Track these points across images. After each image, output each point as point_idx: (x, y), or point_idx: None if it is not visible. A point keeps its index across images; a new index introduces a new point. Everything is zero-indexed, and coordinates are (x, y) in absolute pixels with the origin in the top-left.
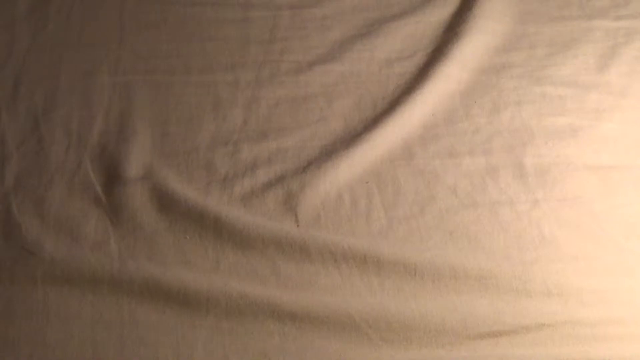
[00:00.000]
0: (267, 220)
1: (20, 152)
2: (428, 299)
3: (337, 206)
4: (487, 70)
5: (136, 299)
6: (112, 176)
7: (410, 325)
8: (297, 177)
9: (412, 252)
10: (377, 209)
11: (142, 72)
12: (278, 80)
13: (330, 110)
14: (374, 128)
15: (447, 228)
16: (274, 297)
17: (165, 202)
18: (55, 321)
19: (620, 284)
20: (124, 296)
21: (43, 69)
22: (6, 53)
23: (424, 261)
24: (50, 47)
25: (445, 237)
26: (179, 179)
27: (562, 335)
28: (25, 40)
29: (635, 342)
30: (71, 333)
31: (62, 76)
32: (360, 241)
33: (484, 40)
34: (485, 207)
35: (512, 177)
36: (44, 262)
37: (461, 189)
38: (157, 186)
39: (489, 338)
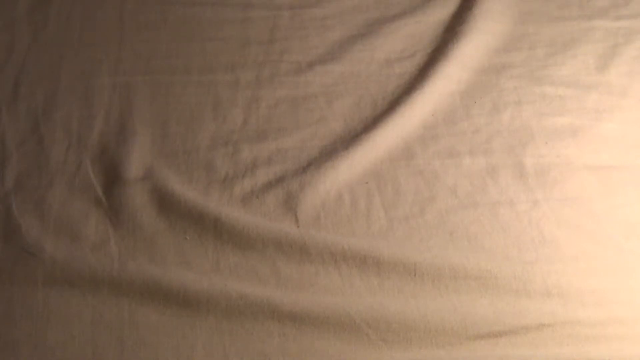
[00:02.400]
0: (267, 220)
1: (21, 153)
2: (428, 300)
3: (337, 206)
4: (487, 70)
5: (136, 299)
6: (112, 177)
7: (410, 325)
8: (297, 177)
9: (412, 252)
10: (377, 209)
11: (142, 72)
12: (278, 80)
13: (330, 110)
14: (374, 128)
15: (447, 228)
16: (274, 297)
17: (165, 202)
18: (55, 322)
19: (620, 284)
20: (124, 297)
21: (43, 69)
22: (6, 53)
23: (423, 261)
24: (50, 47)
25: (445, 237)
26: (179, 180)
27: (562, 335)
28: (25, 40)
29: (635, 342)
30: (71, 334)
31: (62, 76)
32: (360, 241)
33: (484, 40)
34: (485, 207)
35: (512, 177)
36: (44, 263)
37: (461, 189)
38: (157, 187)
39: (489, 338)
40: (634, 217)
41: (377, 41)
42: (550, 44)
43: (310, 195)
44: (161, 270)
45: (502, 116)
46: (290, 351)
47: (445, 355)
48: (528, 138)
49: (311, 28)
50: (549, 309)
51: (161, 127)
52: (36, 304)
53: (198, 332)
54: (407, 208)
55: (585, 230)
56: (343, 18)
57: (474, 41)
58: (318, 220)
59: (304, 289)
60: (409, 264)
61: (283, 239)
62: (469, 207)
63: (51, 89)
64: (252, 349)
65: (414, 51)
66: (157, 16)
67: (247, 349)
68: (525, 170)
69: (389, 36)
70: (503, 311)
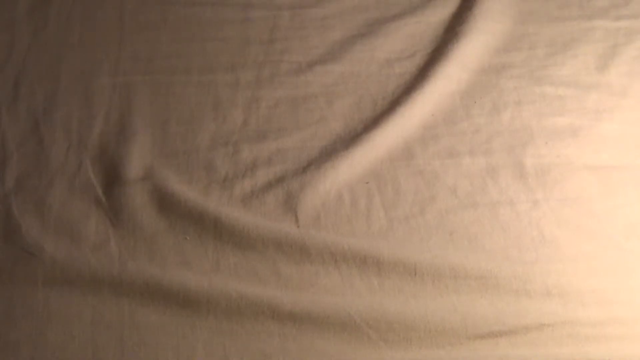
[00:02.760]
0: (267, 220)
1: (21, 153)
2: (428, 300)
3: (337, 206)
4: (487, 70)
5: (136, 300)
6: (113, 177)
7: (410, 325)
8: (297, 177)
9: (412, 252)
10: (377, 209)
11: (142, 72)
12: (278, 80)
13: (330, 110)
14: (374, 128)
15: (447, 228)
16: (274, 297)
17: (166, 203)
18: (55, 322)
19: (620, 284)
20: (124, 297)
21: (43, 69)
22: (6, 53)
23: (424, 261)
24: (50, 48)
25: (445, 237)
26: (179, 180)
27: (562, 335)
28: (25, 40)
29: (635, 342)
30: (72, 334)
31: (62, 76)
32: (360, 241)
33: (484, 40)
34: (485, 207)
35: (512, 177)
36: (44, 264)
37: (461, 189)
38: (157, 187)
39: (489, 338)
40: (634, 217)
41: (377, 41)
42: (550, 44)
43: (310, 195)
44: (161, 271)
45: (502, 116)
46: (290, 351)
47: (445, 355)
48: (528, 138)
49: (311, 28)
50: (549, 309)
51: (161, 127)
52: (36, 304)
53: (198, 332)
54: (407, 208)
55: (585, 230)
56: (343, 18)
57: (474, 41)
58: (318, 220)
59: (304, 289)
60: (409, 264)
61: (283, 239)
62: (469, 207)
63: (51, 89)
64: (253, 349)
65: (414, 51)
66: (157, 16)
67: (247, 349)
68: (525, 170)
69: (389, 36)
70: (503, 311)
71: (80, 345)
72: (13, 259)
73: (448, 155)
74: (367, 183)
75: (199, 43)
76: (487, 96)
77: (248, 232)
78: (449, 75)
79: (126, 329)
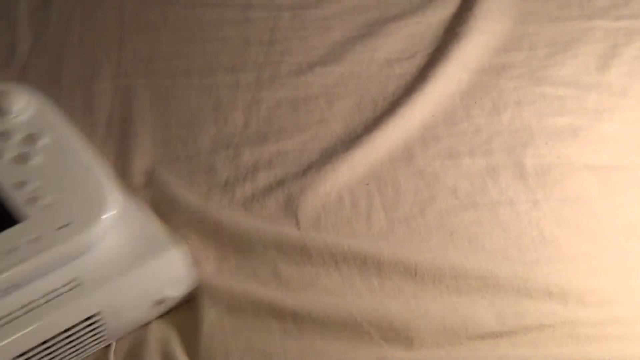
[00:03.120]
0: (268, 223)
1: None
2: (428, 300)
3: (337, 208)
4: (487, 71)
5: None
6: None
7: (411, 325)
8: (297, 180)
9: (413, 252)
10: (377, 210)
11: (143, 74)
12: (278, 81)
13: (331, 111)
14: (374, 129)
15: (447, 229)
16: (276, 297)
17: (167, 207)
18: None
19: (620, 284)
20: None
21: (44, 71)
22: (8, 55)
23: (424, 262)
24: (51, 48)
25: (445, 237)
26: (180, 184)
27: (562, 335)
28: (26, 42)
29: (635, 342)
30: None
31: (63, 79)
32: (360, 242)
33: (484, 40)
34: (485, 207)
35: (512, 177)
36: None
37: (461, 190)
38: (158, 192)
39: (489, 338)
40: (634, 217)
41: (377, 42)
42: (550, 44)
43: (310, 197)
44: None
45: (502, 116)
46: (291, 350)
47: (445, 355)
48: (528, 138)
49: (311, 29)
50: (550, 309)
51: (162, 131)
52: None
53: None
54: (407, 209)
55: (585, 230)
56: (343, 18)
57: (474, 41)
58: (319, 222)
59: (305, 290)
60: (410, 264)
61: (284, 242)
62: (469, 207)
63: (53, 93)
64: (254, 347)
65: (414, 52)
66: (157, 17)
67: (248, 347)
68: (526, 171)
69: (389, 37)
70: (503, 311)
71: None
72: None
73: (448, 155)
74: (367, 184)
75: (199, 44)
76: (487, 96)
77: (249, 236)
78: (449, 76)
79: None
